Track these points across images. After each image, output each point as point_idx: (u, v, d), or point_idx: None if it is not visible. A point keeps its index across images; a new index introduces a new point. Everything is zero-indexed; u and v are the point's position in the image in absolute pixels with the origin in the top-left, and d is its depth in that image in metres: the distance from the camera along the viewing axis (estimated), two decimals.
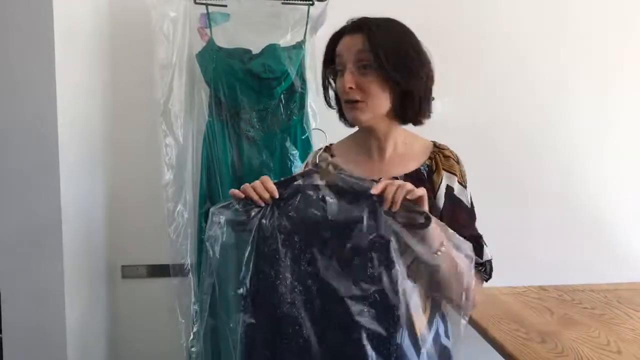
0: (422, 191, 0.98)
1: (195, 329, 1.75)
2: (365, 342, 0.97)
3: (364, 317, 0.97)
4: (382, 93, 1.09)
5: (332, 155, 1.18)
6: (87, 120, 1.66)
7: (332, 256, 1.00)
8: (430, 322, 1.07)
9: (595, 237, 2.18)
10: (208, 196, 1.77)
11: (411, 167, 1.16)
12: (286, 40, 1.79)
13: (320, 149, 1.15)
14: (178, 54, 1.76)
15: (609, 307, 1.71)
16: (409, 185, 0.97)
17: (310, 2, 1.78)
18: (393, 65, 1.07)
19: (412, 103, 1.11)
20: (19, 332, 1.38)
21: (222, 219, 1.01)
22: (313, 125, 1.81)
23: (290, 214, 1.02)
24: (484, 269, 1.15)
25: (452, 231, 1.00)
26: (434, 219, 0.98)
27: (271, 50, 1.77)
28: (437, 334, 1.09)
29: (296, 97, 1.79)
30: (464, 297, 1.03)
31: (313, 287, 1.01)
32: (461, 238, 1.01)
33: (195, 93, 1.84)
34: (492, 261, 1.17)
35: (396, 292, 0.98)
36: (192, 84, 1.84)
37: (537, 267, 2.05)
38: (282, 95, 1.78)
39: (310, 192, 1.03)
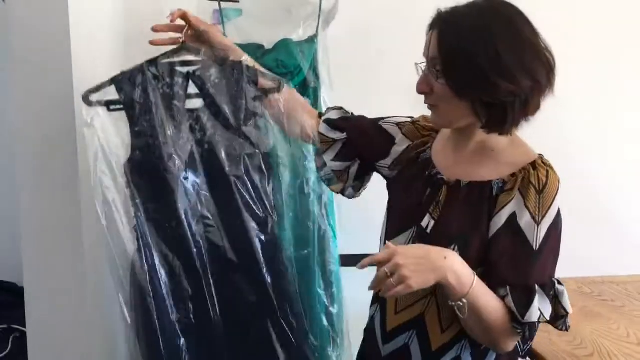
0: (407, 289, 0.89)
1: None
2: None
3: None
4: (458, 101, 0.96)
5: (437, 132, 1.15)
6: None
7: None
8: (450, 345, 1.02)
9: (614, 227, 2.15)
10: None
11: (482, 176, 1.02)
12: (298, 34, 1.79)
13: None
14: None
15: (629, 299, 1.69)
16: (405, 272, 0.88)
17: None
18: (462, 74, 0.93)
19: (497, 113, 0.95)
20: (43, 329, 1.41)
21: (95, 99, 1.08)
22: None
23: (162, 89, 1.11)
24: (522, 333, 0.96)
25: (484, 291, 0.95)
26: (460, 264, 0.93)
27: (283, 45, 1.77)
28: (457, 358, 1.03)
29: (309, 91, 1.78)
30: (491, 346, 1.02)
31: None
32: (497, 300, 0.96)
33: None
34: (568, 318, 0.99)
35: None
36: None
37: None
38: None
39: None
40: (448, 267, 0.91)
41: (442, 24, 0.96)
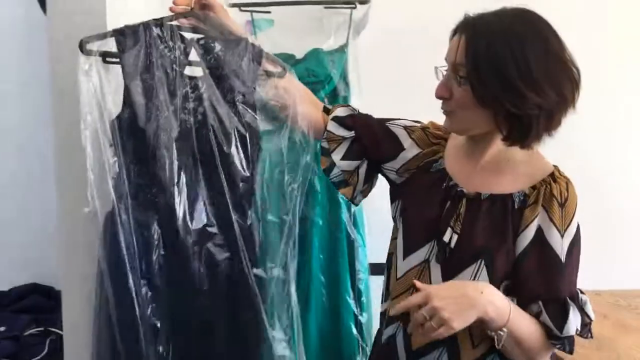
0: (450, 330, 0.88)
1: None
2: None
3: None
4: (481, 110, 0.94)
5: (446, 140, 1.13)
6: None
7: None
8: None
9: None
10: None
11: (504, 188, 1.00)
12: (329, 44, 1.81)
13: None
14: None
15: None
16: (445, 315, 0.87)
17: (353, 6, 1.79)
18: (489, 82, 0.91)
19: (520, 125, 0.93)
20: (78, 332, 1.44)
21: (94, 48, 1.02)
22: None
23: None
24: (561, 346, 0.97)
25: (521, 317, 0.94)
26: (497, 295, 0.92)
27: (314, 54, 1.79)
28: None
29: (339, 100, 1.80)
30: None
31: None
32: (533, 323, 0.96)
33: None
34: (591, 325, 0.99)
35: None
36: None
37: (590, 271, 1.97)
38: (325, 99, 1.80)
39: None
40: (487, 302, 0.91)
41: (471, 29, 0.94)
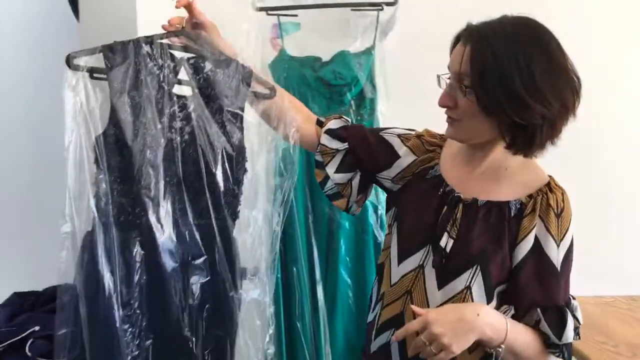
0: (450, 355, 0.91)
1: (270, 331, 1.79)
2: None
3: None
4: (485, 118, 0.95)
5: (441, 147, 1.13)
6: None
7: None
8: None
9: None
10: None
11: (501, 195, 1.02)
12: (356, 46, 1.80)
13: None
14: (251, 65, 1.81)
15: None
16: (444, 341, 0.90)
17: (380, 7, 1.78)
18: (494, 92, 0.91)
19: (524, 134, 0.94)
20: None
21: (83, 62, 0.99)
22: None
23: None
24: (560, 354, 1.01)
25: (517, 331, 0.97)
26: (493, 314, 0.96)
27: (341, 57, 1.79)
28: None
29: (366, 102, 1.79)
30: None
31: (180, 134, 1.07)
32: (530, 333, 0.99)
33: None
34: (580, 329, 1.03)
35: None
36: None
37: (626, 275, 1.92)
38: (352, 102, 1.79)
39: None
40: (485, 323, 0.93)
41: (476, 39, 0.94)
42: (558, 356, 1.01)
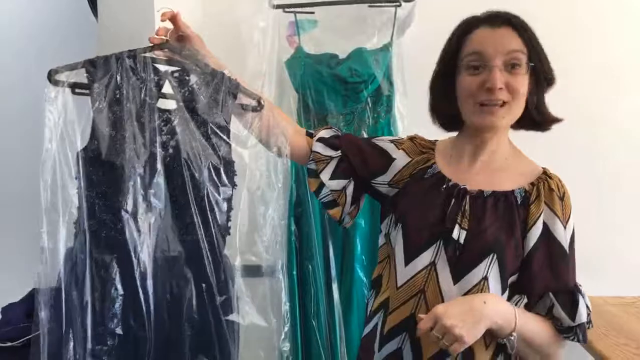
0: (464, 346, 0.92)
1: (286, 329, 1.80)
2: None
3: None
4: (524, 97, 1.02)
5: (432, 149, 1.16)
6: None
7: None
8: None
9: None
10: (297, 200, 1.81)
11: (504, 186, 1.05)
12: (373, 43, 1.79)
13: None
14: (268, 63, 1.81)
15: None
16: (456, 332, 0.90)
17: (397, 4, 1.77)
18: (544, 66, 1.02)
19: (543, 106, 1.05)
20: None
21: (63, 78, 0.99)
22: (400, 128, 1.79)
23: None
24: (574, 336, 1.02)
25: (526, 317, 0.99)
26: (500, 302, 0.98)
27: (358, 54, 1.78)
28: None
29: (383, 99, 1.78)
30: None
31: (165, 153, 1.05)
32: (540, 320, 1.01)
33: (284, 100, 1.88)
34: (591, 315, 1.04)
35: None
36: (281, 91, 1.88)
37: None
38: (368, 99, 1.78)
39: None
40: (493, 311, 0.95)
41: (512, 18, 1.02)
42: (572, 339, 1.02)
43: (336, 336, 1.75)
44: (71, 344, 0.96)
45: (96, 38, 1.40)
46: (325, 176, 1.18)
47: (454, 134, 1.15)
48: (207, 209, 1.05)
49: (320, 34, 1.83)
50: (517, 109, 1.02)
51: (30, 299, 1.97)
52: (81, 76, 1.01)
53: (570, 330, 1.02)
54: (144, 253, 1.01)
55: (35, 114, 2.29)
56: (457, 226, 1.02)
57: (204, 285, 1.04)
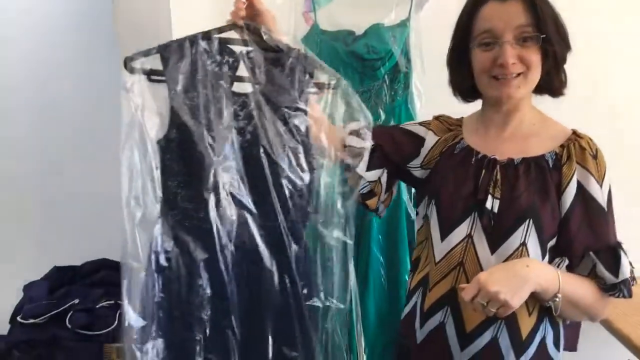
0: (509, 310, 0.93)
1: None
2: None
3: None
4: (540, 66, 1.02)
5: (460, 125, 1.16)
6: None
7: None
8: (536, 328, 1.02)
9: None
10: None
11: (534, 151, 1.05)
12: (390, 19, 1.76)
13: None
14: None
15: None
16: (501, 297, 0.91)
17: None
18: (557, 36, 1.01)
19: (559, 73, 1.05)
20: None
21: (138, 66, 0.96)
22: (418, 105, 1.76)
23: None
24: (619, 293, 1.02)
25: (569, 278, 0.99)
26: (542, 265, 0.98)
27: (374, 30, 1.75)
28: (543, 341, 1.03)
29: (400, 77, 1.75)
30: (589, 319, 1.06)
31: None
32: (583, 280, 1.01)
33: None
34: (634, 271, 1.03)
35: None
36: None
37: None
38: (385, 76, 1.75)
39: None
40: (536, 274, 0.95)
41: None
42: (617, 296, 1.02)
43: (352, 315, 1.75)
44: (160, 339, 0.98)
45: (112, 17, 1.38)
46: (361, 169, 1.18)
47: (478, 107, 1.15)
48: (287, 195, 1.02)
49: (337, 10, 1.80)
50: (533, 78, 1.02)
51: (53, 276, 2.00)
52: (153, 62, 0.98)
53: (615, 288, 1.01)
54: (226, 240, 0.99)
55: (42, 102, 2.32)
56: (489, 196, 1.03)
57: (285, 271, 1.03)
